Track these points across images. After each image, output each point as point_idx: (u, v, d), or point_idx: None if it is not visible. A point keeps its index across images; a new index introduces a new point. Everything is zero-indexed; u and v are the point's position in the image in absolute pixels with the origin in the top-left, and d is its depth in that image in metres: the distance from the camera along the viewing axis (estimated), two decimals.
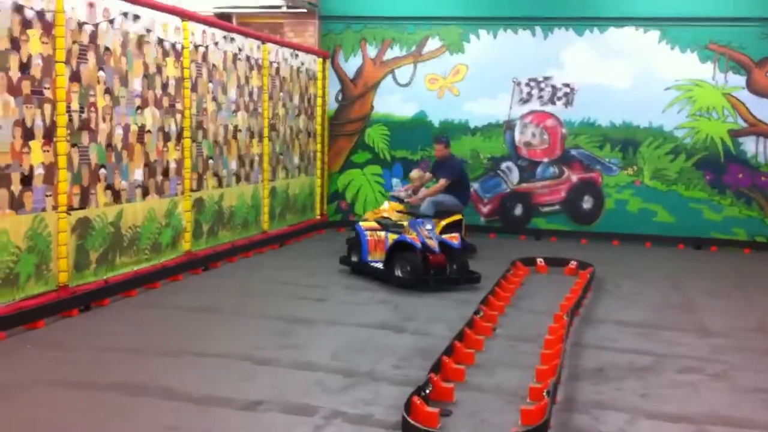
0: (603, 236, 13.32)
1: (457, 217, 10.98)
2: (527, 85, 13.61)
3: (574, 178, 13.57)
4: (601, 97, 13.33)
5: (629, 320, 7.85)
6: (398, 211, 10.84)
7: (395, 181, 13.41)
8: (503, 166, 13.80)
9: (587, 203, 13.56)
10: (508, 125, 13.73)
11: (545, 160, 13.65)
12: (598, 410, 5.26)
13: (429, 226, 9.29)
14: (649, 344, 6.98)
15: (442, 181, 11.32)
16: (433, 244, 9.11)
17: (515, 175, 13.76)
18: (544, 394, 5.06)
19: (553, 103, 13.56)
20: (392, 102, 14.09)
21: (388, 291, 8.90)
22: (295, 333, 7.05)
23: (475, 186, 13.78)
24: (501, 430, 4.87)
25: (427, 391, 5.14)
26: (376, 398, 5.36)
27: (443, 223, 10.53)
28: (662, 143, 13.24)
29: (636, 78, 13.24)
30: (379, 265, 9.47)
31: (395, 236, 9.39)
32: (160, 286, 8.74)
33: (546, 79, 13.53)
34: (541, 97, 13.58)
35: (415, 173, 12.00)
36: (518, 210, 13.77)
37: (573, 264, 10.31)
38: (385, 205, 11.45)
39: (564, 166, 13.58)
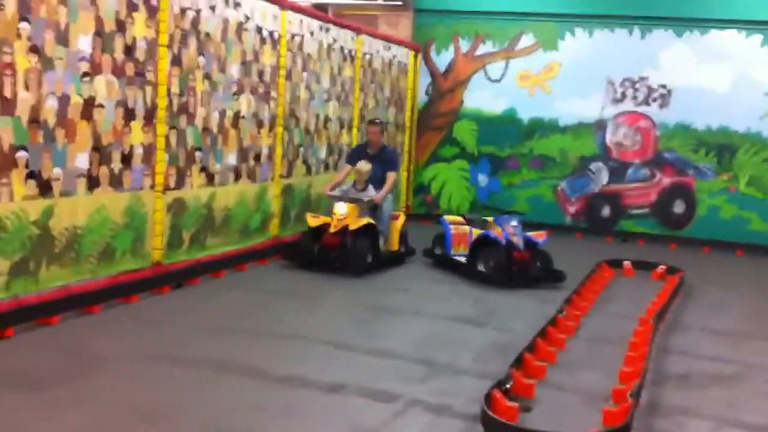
0: (693, 242, 13.00)
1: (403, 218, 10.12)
2: (621, 84, 13.38)
3: (666, 181, 13.29)
4: (698, 100, 13.01)
5: (717, 328, 7.68)
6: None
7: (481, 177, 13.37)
8: (592, 166, 13.61)
9: (678, 207, 13.26)
10: (600, 125, 13.54)
11: (636, 161, 13.41)
12: (681, 416, 5.17)
13: (514, 223, 9.24)
14: (737, 353, 6.81)
15: (393, 175, 9.99)
16: (518, 240, 9.06)
17: (604, 176, 13.56)
18: (628, 396, 5.00)
19: (648, 104, 13.30)
20: (482, 97, 14.04)
21: (470, 285, 8.90)
22: (377, 321, 7.14)
23: (562, 185, 13.67)
24: (581, 429, 4.84)
25: (508, 386, 5.14)
26: (455, 389, 5.39)
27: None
28: (760, 150, 12.85)
29: (735, 82, 12.88)
30: (462, 259, 9.48)
31: (479, 231, 9.39)
32: (248, 269, 8.94)
33: (641, 79, 13.28)
34: (635, 97, 13.34)
35: (364, 165, 9.73)
36: (606, 211, 13.57)
37: (661, 268, 10.11)
38: (342, 209, 9.10)
39: (656, 168, 13.32)
